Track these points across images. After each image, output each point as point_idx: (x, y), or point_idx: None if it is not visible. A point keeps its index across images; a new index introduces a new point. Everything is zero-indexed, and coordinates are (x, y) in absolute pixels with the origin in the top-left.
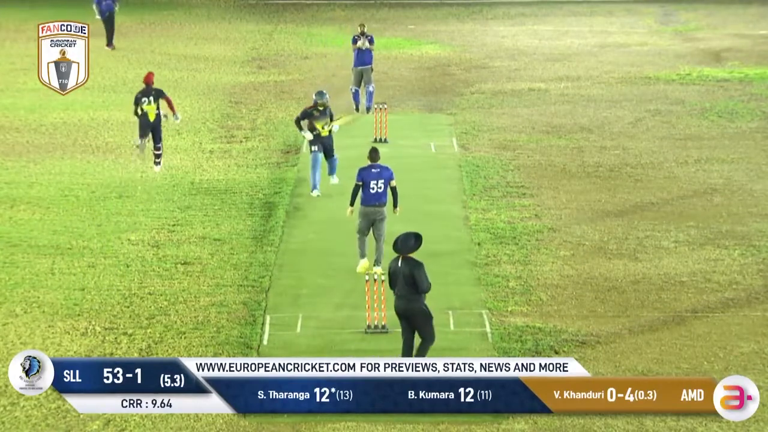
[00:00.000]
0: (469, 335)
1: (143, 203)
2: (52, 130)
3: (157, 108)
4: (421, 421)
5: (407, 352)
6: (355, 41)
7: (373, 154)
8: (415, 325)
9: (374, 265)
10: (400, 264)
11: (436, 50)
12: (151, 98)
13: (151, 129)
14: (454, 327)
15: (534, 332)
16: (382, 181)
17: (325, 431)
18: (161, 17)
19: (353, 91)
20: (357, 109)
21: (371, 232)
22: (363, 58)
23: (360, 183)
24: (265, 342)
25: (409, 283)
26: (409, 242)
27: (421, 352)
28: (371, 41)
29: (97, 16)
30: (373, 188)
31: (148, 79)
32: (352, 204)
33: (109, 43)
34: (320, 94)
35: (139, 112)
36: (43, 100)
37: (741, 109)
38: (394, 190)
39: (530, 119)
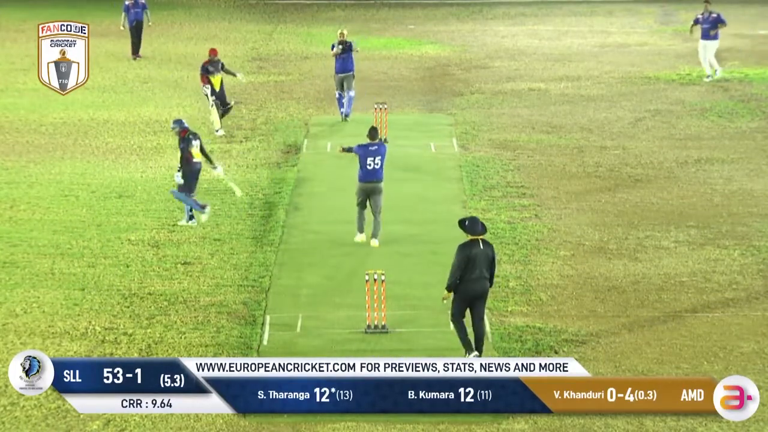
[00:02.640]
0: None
1: (143, 203)
2: (52, 130)
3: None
4: (421, 421)
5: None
6: (332, 48)
7: (373, 132)
8: (480, 306)
9: (372, 238)
10: (482, 246)
11: (436, 50)
12: (215, 70)
13: (217, 96)
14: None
15: (534, 332)
16: (379, 158)
17: (325, 431)
18: (161, 17)
19: (338, 95)
20: (342, 116)
21: (369, 206)
22: (344, 65)
23: (349, 149)
24: (265, 342)
25: (490, 266)
26: (478, 223)
27: (481, 340)
28: (350, 48)
29: (122, 27)
30: (369, 165)
31: (213, 53)
32: (344, 148)
33: (136, 53)
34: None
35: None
36: (43, 100)
37: (741, 109)
38: None
39: (530, 119)
